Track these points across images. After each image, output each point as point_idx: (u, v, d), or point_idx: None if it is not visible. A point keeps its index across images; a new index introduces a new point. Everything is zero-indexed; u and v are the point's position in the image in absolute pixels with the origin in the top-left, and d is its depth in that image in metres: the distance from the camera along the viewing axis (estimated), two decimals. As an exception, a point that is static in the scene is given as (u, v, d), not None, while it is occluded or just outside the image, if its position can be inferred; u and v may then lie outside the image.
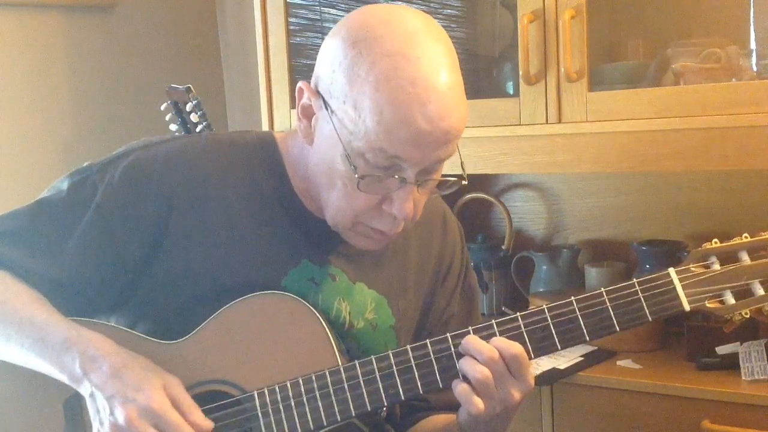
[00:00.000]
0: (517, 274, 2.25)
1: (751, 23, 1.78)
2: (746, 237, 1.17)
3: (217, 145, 1.28)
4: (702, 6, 1.95)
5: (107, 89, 2.45)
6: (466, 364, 1.13)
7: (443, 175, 1.18)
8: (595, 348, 1.88)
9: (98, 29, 2.43)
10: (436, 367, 1.15)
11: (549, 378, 1.77)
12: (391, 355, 1.16)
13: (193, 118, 2.21)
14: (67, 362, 1.14)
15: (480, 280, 2.12)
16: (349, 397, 1.16)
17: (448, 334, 1.16)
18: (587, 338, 1.15)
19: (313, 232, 1.26)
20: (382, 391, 1.15)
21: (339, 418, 1.16)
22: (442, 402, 1.32)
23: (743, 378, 1.65)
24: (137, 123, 2.43)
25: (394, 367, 1.16)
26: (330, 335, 1.20)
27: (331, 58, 1.14)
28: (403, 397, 1.16)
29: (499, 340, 1.14)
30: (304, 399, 1.16)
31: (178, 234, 1.22)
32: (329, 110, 1.14)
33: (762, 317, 1.16)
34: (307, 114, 1.19)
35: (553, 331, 1.15)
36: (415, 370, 1.16)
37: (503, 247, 2.28)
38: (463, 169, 1.20)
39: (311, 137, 1.20)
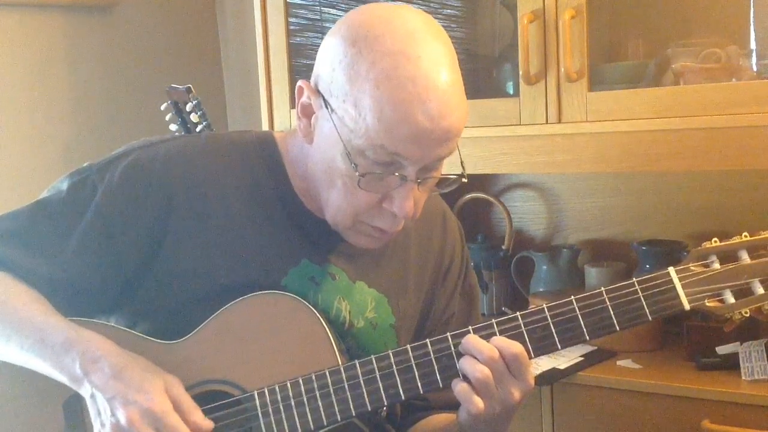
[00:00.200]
0: (517, 274, 2.25)
1: (751, 23, 1.78)
2: (746, 236, 1.17)
3: (217, 144, 1.28)
4: (702, 6, 1.95)
5: (107, 89, 2.45)
6: (466, 364, 1.13)
7: (443, 174, 1.18)
8: (595, 348, 1.88)
9: (98, 29, 2.43)
10: (436, 367, 1.15)
11: (549, 378, 1.77)
12: (391, 354, 1.16)
13: (193, 118, 2.21)
14: (67, 363, 1.14)
15: (480, 280, 2.12)
16: (349, 396, 1.16)
17: (448, 334, 1.16)
18: (587, 338, 1.15)
19: (312, 231, 1.26)
20: (382, 390, 1.15)
21: (339, 418, 1.16)
22: (442, 401, 1.32)
23: (743, 378, 1.65)
24: (137, 123, 2.43)
25: (394, 366, 1.16)
26: (330, 335, 1.20)
27: (331, 57, 1.14)
28: (403, 397, 1.16)
29: (499, 340, 1.14)
30: (304, 399, 1.16)
31: (177, 234, 1.22)
32: (329, 109, 1.14)
33: (762, 316, 1.16)
34: (307, 113, 1.19)
35: (553, 331, 1.15)
36: (415, 370, 1.15)
37: (503, 247, 2.28)
38: (463, 167, 1.20)
39: (311, 136, 1.20)
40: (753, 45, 1.77)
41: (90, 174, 1.25)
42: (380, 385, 1.15)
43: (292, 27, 2.12)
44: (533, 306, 1.17)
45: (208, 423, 1.13)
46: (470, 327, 1.16)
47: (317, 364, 1.17)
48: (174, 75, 2.44)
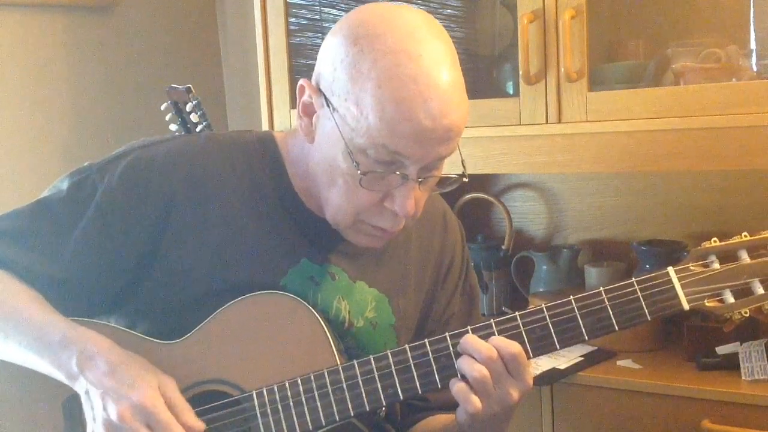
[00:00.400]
0: (517, 274, 2.25)
1: (751, 23, 1.78)
2: (746, 236, 1.17)
3: (217, 144, 1.28)
4: (702, 6, 1.95)
5: (107, 89, 2.45)
6: (464, 363, 1.13)
7: (444, 174, 1.19)
8: (595, 348, 1.88)
9: (98, 29, 2.43)
10: (434, 367, 1.15)
11: (549, 378, 1.77)
12: (389, 354, 1.16)
13: (193, 118, 2.21)
14: (64, 360, 1.14)
15: (480, 280, 2.11)
16: (347, 397, 1.15)
17: (446, 334, 1.16)
18: (586, 338, 1.15)
19: (312, 230, 1.26)
20: (380, 390, 1.15)
21: (338, 418, 1.16)
22: (442, 401, 1.32)
23: (743, 378, 1.65)
24: (137, 123, 2.43)
25: (392, 366, 1.16)
26: (329, 335, 1.20)
27: (332, 56, 1.14)
28: (401, 397, 1.16)
29: (498, 340, 1.14)
30: (303, 399, 1.16)
31: (177, 234, 1.22)
32: (331, 107, 1.14)
33: (762, 316, 1.16)
34: (308, 112, 1.19)
35: (552, 331, 1.15)
36: (413, 370, 1.15)
37: (503, 247, 2.28)
38: (464, 166, 1.20)
39: (312, 135, 1.20)
40: (753, 45, 1.77)
41: (90, 174, 1.25)
42: (379, 385, 1.15)
43: (292, 27, 2.12)
44: (533, 306, 1.17)
45: (199, 424, 1.13)
46: (469, 327, 1.16)
47: (316, 364, 1.17)
48: (174, 75, 2.44)
